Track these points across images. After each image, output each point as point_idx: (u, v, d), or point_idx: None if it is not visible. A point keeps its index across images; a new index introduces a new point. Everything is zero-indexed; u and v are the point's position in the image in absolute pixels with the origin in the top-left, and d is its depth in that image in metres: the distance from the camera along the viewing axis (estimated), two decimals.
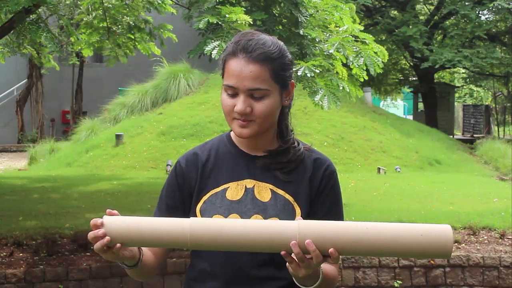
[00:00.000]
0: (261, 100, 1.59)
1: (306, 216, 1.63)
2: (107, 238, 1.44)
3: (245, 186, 1.66)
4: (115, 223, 1.47)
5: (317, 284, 1.52)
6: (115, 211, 1.50)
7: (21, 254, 5.73)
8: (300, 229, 1.41)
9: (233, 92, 1.59)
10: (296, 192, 1.66)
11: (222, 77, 1.65)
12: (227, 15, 5.10)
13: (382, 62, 5.55)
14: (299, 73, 5.11)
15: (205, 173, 1.69)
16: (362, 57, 5.45)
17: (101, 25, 7.73)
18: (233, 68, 1.58)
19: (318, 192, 1.67)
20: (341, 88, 5.45)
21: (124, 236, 1.46)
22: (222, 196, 1.65)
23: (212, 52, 4.96)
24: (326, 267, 1.57)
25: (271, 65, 1.59)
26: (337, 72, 5.51)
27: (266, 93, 1.59)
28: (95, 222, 1.46)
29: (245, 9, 5.44)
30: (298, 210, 1.64)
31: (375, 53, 5.50)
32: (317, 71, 5.22)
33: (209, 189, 1.67)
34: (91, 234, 1.47)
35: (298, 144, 1.72)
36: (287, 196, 1.65)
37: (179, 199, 1.69)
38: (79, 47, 8.41)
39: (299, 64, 5.19)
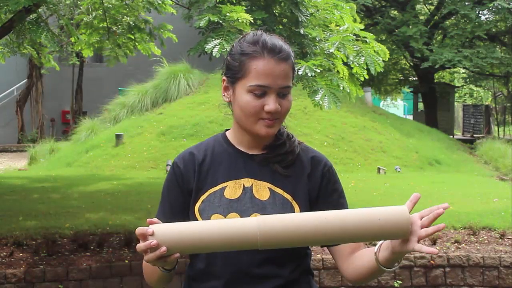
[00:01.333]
0: (286, 97, 1.64)
1: None
2: (164, 248, 1.42)
3: (243, 185, 1.66)
4: (166, 231, 1.44)
5: (396, 267, 1.57)
6: (155, 219, 1.48)
7: (21, 254, 5.73)
8: (259, 225, 1.43)
9: (262, 92, 1.61)
10: (295, 190, 1.67)
11: (237, 78, 1.64)
12: (228, 14, 5.10)
13: (383, 61, 5.54)
14: (299, 73, 5.10)
15: (202, 172, 1.70)
16: (362, 56, 5.44)
17: (101, 25, 7.72)
18: (264, 68, 1.60)
19: (321, 189, 1.69)
20: (341, 88, 5.44)
21: (177, 244, 1.43)
22: (220, 195, 1.65)
23: (213, 50, 4.95)
24: None
25: (291, 63, 1.66)
26: (337, 72, 5.50)
27: (290, 90, 1.65)
28: (143, 232, 1.43)
29: (245, 9, 5.43)
30: (297, 208, 1.65)
31: (376, 52, 5.49)
32: (318, 70, 5.21)
33: (207, 188, 1.67)
34: (142, 246, 1.43)
35: (292, 136, 1.75)
36: (286, 195, 1.65)
37: (181, 198, 1.70)
38: (79, 48, 8.41)
39: (300, 63, 5.18)
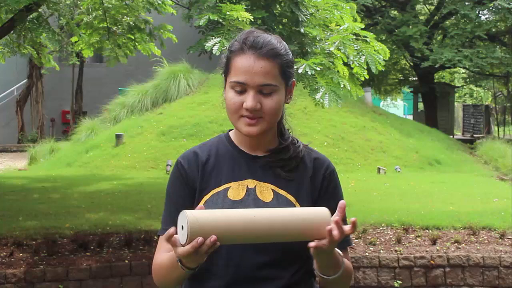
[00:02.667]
0: (270, 96, 1.60)
1: None
2: (214, 237, 1.38)
3: (247, 186, 1.65)
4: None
5: (339, 274, 1.55)
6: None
7: (21, 254, 5.73)
8: (188, 219, 1.40)
9: (242, 89, 1.59)
10: (298, 192, 1.66)
11: (226, 76, 1.65)
12: (228, 13, 5.10)
13: (384, 60, 5.54)
14: (299, 71, 5.10)
15: (206, 172, 1.68)
16: (363, 55, 5.44)
17: (101, 25, 7.72)
18: (242, 65, 1.59)
19: (321, 192, 1.68)
20: (342, 86, 5.44)
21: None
22: (224, 196, 1.64)
23: (213, 48, 4.95)
24: (346, 261, 1.61)
25: (279, 61, 1.61)
26: (338, 71, 5.50)
27: (275, 89, 1.60)
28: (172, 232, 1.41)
29: (245, 8, 5.43)
30: None
31: (376, 51, 5.49)
32: (318, 68, 5.20)
33: (211, 188, 1.66)
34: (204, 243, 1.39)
35: (297, 141, 1.73)
36: (289, 197, 1.65)
37: (188, 198, 1.68)
38: (80, 48, 8.40)
39: (300, 62, 5.18)
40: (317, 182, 1.68)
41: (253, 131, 1.61)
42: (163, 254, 1.63)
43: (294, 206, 1.64)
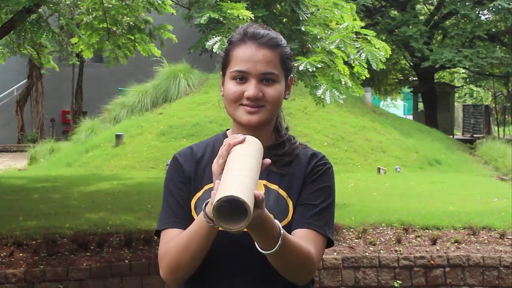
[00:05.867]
0: (272, 85, 1.61)
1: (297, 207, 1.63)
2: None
3: None
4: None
5: (277, 249, 1.44)
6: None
7: (21, 254, 5.73)
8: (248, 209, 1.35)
9: (243, 78, 1.60)
10: (290, 187, 1.65)
11: (224, 69, 1.65)
12: (228, 11, 5.11)
13: (384, 57, 5.53)
14: (300, 68, 5.10)
15: (200, 168, 1.69)
16: (363, 52, 5.44)
17: (101, 26, 7.72)
18: (243, 54, 1.60)
19: (306, 179, 1.65)
20: (343, 83, 5.44)
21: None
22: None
23: (214, 47, 4.96)
24: (293, 238, 1.50)
25: (280, 51, 1.63)
26: (338, 70, 5.50)
27: (276, 78, 1.61)
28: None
29: (245, 6, 5.44)
30: (291, 204, 1.63)
31: (377, 48, 5.49)
32: (319, 65, 5.21)
33: (204, 184, 1.67)
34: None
35: (293, 138, 1.73)
36: (280, 191, 1.64)
37: (186, 189, 1.68)
38: (80, 49, 8.40)
39: (300, 59, 5.18)
40: (307, 172, 1.66)
41: (253, 120, 1.60)
42: (176, 237, 1.57)
43: (285, 200, 1.63)
